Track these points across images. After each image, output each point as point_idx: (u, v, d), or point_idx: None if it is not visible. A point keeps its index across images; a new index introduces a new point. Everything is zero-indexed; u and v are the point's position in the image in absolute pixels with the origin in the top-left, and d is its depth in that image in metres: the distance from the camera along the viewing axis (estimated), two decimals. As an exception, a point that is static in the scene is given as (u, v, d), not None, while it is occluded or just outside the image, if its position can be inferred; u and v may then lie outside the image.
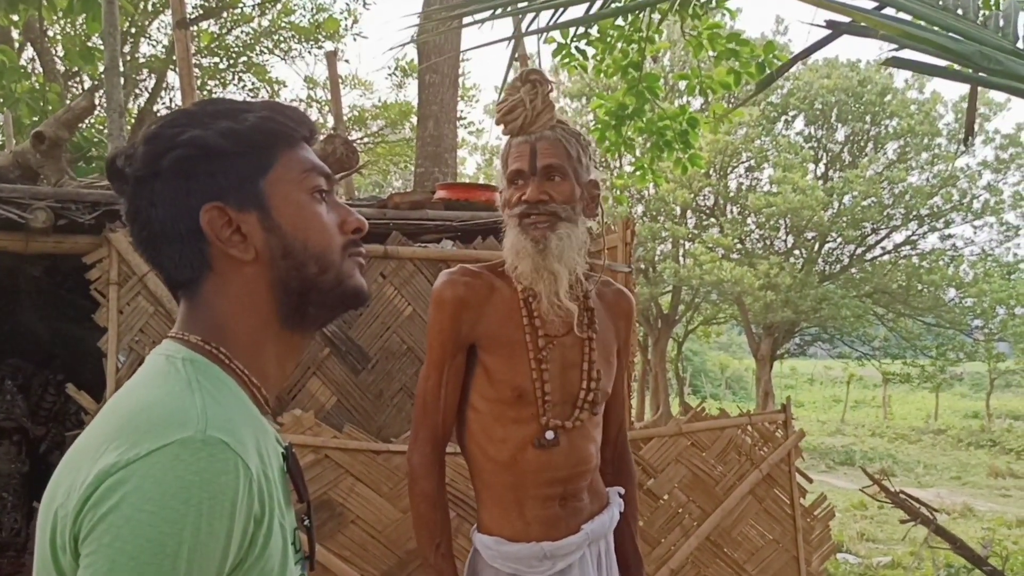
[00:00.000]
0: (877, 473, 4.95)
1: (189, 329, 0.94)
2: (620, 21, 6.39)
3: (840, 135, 19.66)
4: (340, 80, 4.97)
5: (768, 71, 6.63)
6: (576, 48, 6.78)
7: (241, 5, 12.36)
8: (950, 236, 19.36)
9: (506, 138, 1.78)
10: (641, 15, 6.01)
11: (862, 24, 1.21)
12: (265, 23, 13.08)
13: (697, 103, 12.53)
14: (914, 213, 18.63)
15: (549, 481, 1.75)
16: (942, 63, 1.17)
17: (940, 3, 1.24)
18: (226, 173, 0.92)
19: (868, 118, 18.84)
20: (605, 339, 1.84)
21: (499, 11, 1.85)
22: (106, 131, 6.57)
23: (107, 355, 2.78)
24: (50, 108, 8.25)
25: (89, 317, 3.11)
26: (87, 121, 9.22)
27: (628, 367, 3.28)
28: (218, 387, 0.88)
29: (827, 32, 1.35)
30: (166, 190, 0.91)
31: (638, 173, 7.44)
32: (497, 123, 1.75)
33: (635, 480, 2.04)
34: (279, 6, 12.80)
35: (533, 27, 2.23)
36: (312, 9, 13.06)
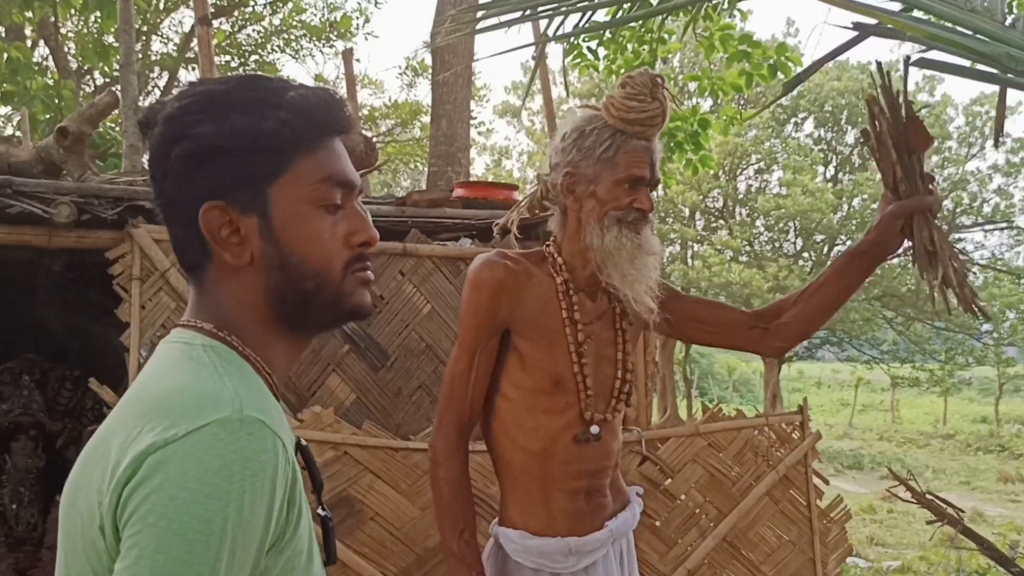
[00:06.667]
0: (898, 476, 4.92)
1: (200, 316, 0.93)
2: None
3: (850, 137, 19.63)
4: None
5: (780, 73, 6.63)
6: (588, 48, 6.79)
7: (253, 4, 12.40)
8: (960, 240, 19.29)
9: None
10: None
11: (889, 26, 1.22)
12: (276, 22, 13.12)
13: (707, 104, 12.52)
14: (924, 217, 18.55)
15: (577, 474, 1.75)
16: (968, 64, 1.17)
17: (967, 5, 1.25)
18: (234, 172, 0.89)
19: (878, 121, 18.78)
20: (634, 334, 1.86)
21: (527, 12, 1.86)
22: (119, 128, 6.60)
23: (129, 350, 2.80)
24: (64, 105, 8.29)
25: (106, 313, 3.12)
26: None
27: (645, 365, 3.29)
28: (240, 372, 0.88)
29: (854, 33, 1.36)
30: (174, 174, 0.90)
31: (649, 174, 7.44)
32: (633, 127, 1.65)
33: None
34: (290, 5, 12.83)
35: (551, 30, 2.23)
36: (324, 8, 13.11)
